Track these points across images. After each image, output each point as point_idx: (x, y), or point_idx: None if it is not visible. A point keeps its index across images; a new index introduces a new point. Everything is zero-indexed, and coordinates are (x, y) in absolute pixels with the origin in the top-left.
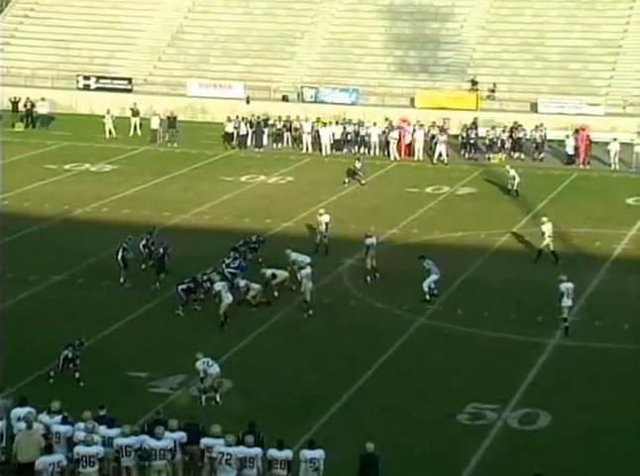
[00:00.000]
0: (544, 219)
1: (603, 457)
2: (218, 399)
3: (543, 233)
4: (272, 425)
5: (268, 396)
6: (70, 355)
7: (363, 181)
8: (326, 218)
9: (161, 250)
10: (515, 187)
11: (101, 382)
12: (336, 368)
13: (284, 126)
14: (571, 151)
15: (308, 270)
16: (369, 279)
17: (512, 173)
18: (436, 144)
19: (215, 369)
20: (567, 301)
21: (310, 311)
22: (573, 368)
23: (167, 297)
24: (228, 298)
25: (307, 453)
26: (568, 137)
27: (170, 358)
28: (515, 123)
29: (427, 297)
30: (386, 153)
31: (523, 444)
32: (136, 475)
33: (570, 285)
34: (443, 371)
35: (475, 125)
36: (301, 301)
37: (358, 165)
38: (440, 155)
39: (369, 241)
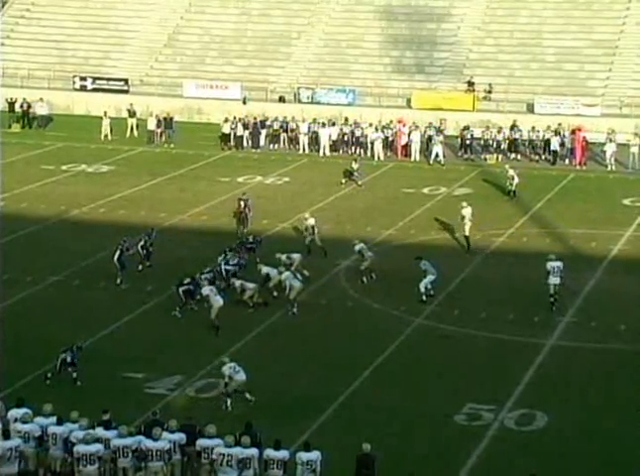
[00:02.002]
0: (464, 204)
1: (600, 458)
2: (249, 396)
3: (463, 217)
4: (270, 426)
5: (266, 396)
6: (69, 359)
7: (359, 182)
8: (311, 221)
9: (242, 203)
10: (514, 188)
11: (98, 383)
12: (333, 369)
13: (281, 127)
14: (555, 147)
15: (287, 273)
16: (364, 279)
17: (511, 173)
18: (433, 145)
19: (242, 376)
20: (553, 279)
21: (294, 310)
22: (569, 368)
23: (164, 298)
24: (218, 302)
25: (303, 456)
26: (556, 134)
27: (167, 359)
28: (559, 124)
29: (423, 297)
30: (371, 154)
31: (520, 445)
32: None
33: (557, 263)
34: (440, 371)
35: (516, 127)
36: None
37: (355, 165)
38: (437, 155)
39: (357, 248)
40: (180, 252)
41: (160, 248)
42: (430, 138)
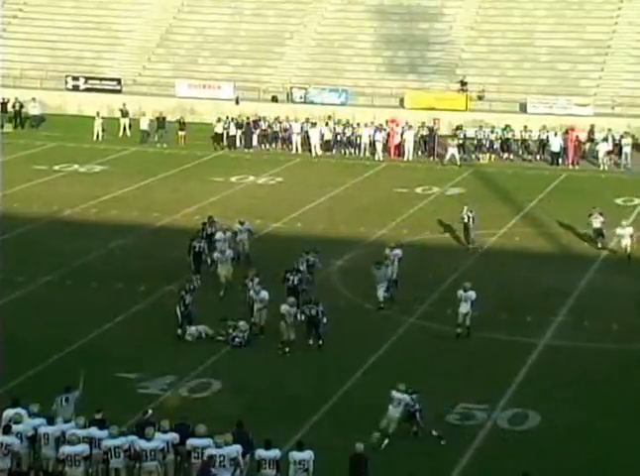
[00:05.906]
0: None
1: (593, 457)
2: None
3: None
4: (262, 426)
5: (259, 396)
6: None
7: (599, 245)
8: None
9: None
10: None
11: (90, 383)
12: (326, 368)
13: (269, 126)
14: (556, 149)
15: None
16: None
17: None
18: (428, 143)
19: None
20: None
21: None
22: (562, 368)
23: (157, 297)
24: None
25: (296, 455)
26: (556, 135)
27: (160, 359)
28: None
29: (382, 305)
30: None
31: (513, 444)
32: None
33: (469, 293)
34: (432, 371)
35: (591, 132)
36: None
37: (597, 223)
38: (452, 156)
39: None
40: (173, 252)
41: (152, 248)
42: (423, 137)
